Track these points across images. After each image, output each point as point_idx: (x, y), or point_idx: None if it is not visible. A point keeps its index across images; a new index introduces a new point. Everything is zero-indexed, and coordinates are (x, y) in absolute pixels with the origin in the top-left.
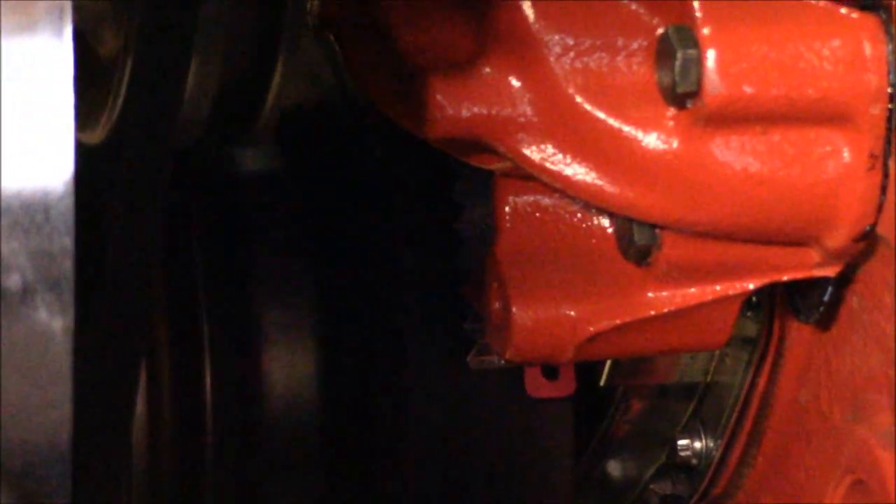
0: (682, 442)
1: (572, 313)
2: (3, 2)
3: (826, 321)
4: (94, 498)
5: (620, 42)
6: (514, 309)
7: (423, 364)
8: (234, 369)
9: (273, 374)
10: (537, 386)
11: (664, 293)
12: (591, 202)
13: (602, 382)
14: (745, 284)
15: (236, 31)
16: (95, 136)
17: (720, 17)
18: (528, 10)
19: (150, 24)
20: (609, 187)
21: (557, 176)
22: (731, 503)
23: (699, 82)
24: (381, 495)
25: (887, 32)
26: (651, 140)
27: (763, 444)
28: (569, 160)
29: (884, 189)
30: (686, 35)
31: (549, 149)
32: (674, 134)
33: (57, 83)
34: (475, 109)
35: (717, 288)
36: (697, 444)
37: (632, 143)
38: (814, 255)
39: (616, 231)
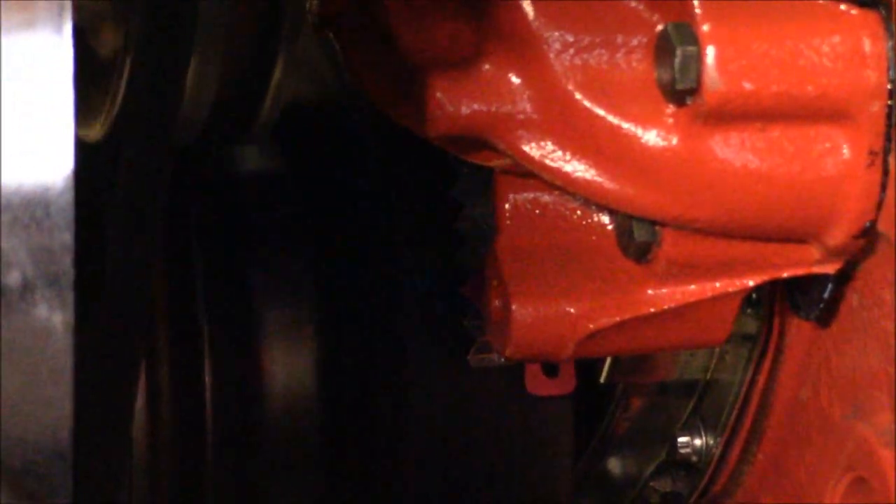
0: (682, 439)
1: (572, 310)
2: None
3: (826, 318)
4: (94, 496)
5: (620, 39)
6: (514, 306)
7: (423, 363)
8: (234, 369)
9: (273, 373)
10: (537, 383)
11: (664, 290)
12: (590, 199)
13: (602, 380)
14: (744, 281)
15: (236, 31)
16: (95, 134)
17: (719, 14)
18: (528, 7)
19: (150, 23)
20: (609, 184)
21: (557, 173)
22: (731, 501)
23: (699, 79)
24: (381, 495)
25: (887, 29)
26: (651, 137)
27: (763, 442)
28: (568, 157)
29: (883, 186)
30: (685, 32)
31: (549, 146)
32: (673, 131)
33: (57, 81)
34: (475, 107)
35: (717, 285)
36: (697, 442)
37: (631, 139)
38: (814, 252)
39: (616, 228)
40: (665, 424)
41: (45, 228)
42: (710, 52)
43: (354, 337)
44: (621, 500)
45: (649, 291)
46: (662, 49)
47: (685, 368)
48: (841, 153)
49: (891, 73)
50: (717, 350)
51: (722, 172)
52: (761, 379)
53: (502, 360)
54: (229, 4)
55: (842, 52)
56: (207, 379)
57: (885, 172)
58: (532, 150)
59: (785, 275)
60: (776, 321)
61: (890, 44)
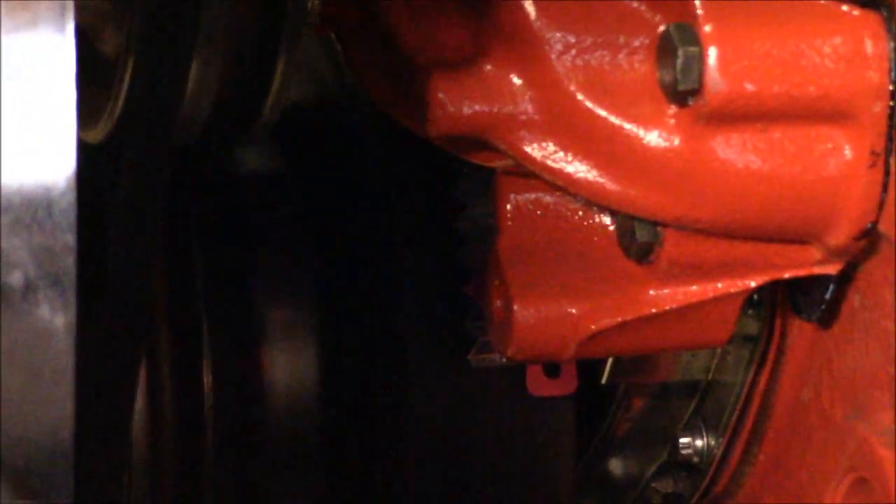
0: (683, 440)
1: (574, 311)
2: (4, 0)
3: (827, 319)
4: (95, 495)
5: (622, 40)
6: (515, 307)
7: (424, 363)
8: (235, 369)
9: (273, 373)
10: (539, 384)
11: (666, 291)
12: (592, 200)
13: (603, 380)
14: (746, 282)
15: (237, 31)
16: (97, 135)
17: (721, 15)
18: (530, 7)
19: (152, 24)
20: (610, 185)
21: (559, 174)
22: (732, 501)
23: (700, 80)
24: (381, 495)
25: (889, 30)
26: (652, 138)
27: (764, 443)
28: (570, 158)
29: (885, 186)
30: (687, 33)
31: (551, 146)
32: (675, 132)
33: (59, 81)
34: (476, 107)
35: (719, 286)
36: (699, 443)
37: (633, 140)
38: (815, 252)
39: (617, 229)
40: (666, 425)
41: (47, 229)
42: (712, 53)
43: (355, 337)
44: (623, 500)
45: (651, 292)
46: (664, 50)
47: (687, 369)
48: (843, 154)
49: (892, 73)
50: (719, 351)
51: (724, 173)
52: (763, 380)
53: (503, 360)
54: (230, 5)
55: (843, 52)
56: (207, 379)
57: (887, 173)
58: (533, 150)
59: (786, 275)
60: (778, 322)
61: (892, 45)
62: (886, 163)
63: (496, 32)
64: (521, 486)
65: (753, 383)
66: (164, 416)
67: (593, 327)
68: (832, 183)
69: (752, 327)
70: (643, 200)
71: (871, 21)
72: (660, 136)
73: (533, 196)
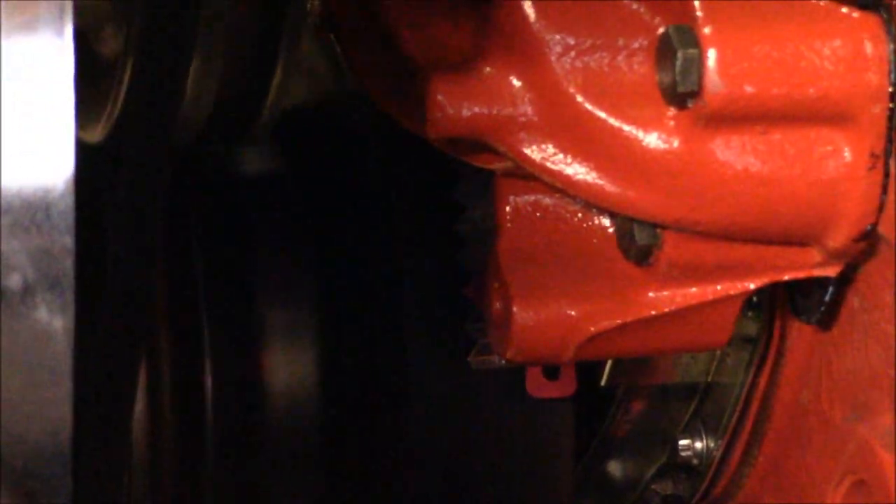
0: (683, 442)
1: (573, 313)
2: (3, 1)
3: (827, 321)
4: (94, 497)
5: (621, 42)
6: (515, 309)
7: (424, 364)
8: (235, 369)
9: (273, 374)
10: (538, 386)
11: (665, 293)
12: (591, 202)
13: (603, 382)
14: (746, 284)
15: (237, 31)
16: (96, 136)
17: (721, 17)
18: (529, 9)
19: (151, 24)
20: (610, 187)
21: (558, 176)
22: (732, 503)
23: (700, 82)
24: (382, 495)
25: (888, 32)
26: (652, 140)
27: (764, 445)
28: (569, 160)
29: (885, 188)
30: (687, 35)
31: (550, 148)
32: (674, 134)
33: (57, 82)
34: (476, 109)
35: (718, 288)
36: (698, 445)
37: (632, 142)
38: (815, 254)
39: (617, 231)
40: (666, 427)
41: (45, 231)
42: (712, 55)
43: (355, 338)
44: (622, 502)
45: (650, 294)
46: (664, 52)
47: (686, 371)
48: (842, 156)
49: (892, 75)
50: (718, 353)
51: (723, 175)
52: (762, 381)
53: (503, 362)
54: (230, 5)
55: (843, 54)
56: (208, 379)
57: (887, 175)
58: (533, 152)
59: (786, 277)
60: (777, 324)
61: (891, 46)
62: (886, 165)
63: (496, 34)
64: (521, 487)
65: (753, 385)
66: (164, 416)
67: (592, 329)
68: (832, 185)
69: (752, 329)
70: (642, 202)
71: (870, 23)
72: (659, 137)
73: (532, 198)
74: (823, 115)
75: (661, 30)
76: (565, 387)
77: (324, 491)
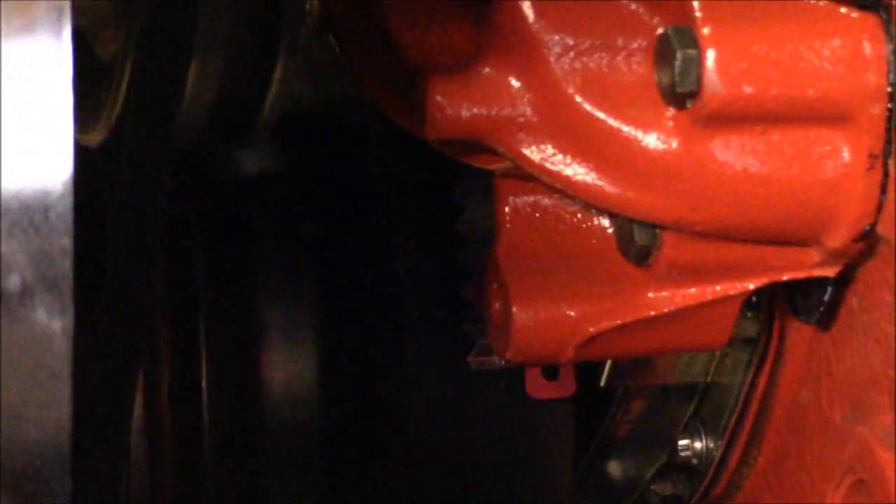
0: (682, 442)
1: (572, 313)
2: (2, 2)
3: (826, 321)
4: (93, 497)
5: (620, 42)
6: (514, 309)
7: (423, 364)
8: (234, 370)
9: (273, 374)
10: (538, 386)
11: (664, 293)
12: (591, 202)
13: (602, 383)
14: (745, 284)
15: (236, 32)
16: (95, 137)
17: (720, 17)
18: (528, 10)
19: (151, 25)
20: (609, 187)
21: (557, 176)
22: (731, 503)
23: (699, 82)
24: (382, 495)
25: (887, 32)
26: (651, 140)
27: (763, 445)
28: (569, 160)
29: (883, 189)
30: (686, 35)
31: (549, 149)
32: (673, 134)
33: (56, 84)
34: (475, 110)
35: (718, 288)
36: (698, 445)
37: (632, 143)
38: (814, 255)
39: (616, 231)
40: (665, 427)
41: (44, 233)
42: (711, 56)
43: (355, 338)
44: (622, 502)
45: (650, 294)
46: (663, 52)
47: (685, 371)
48: (841, 156)
49: (891, 76)
50: (718, 353)
51: (722, 175)
52: (761, 382)
53: (502, 362)
54: (229, 6)
55: (842, 54)
56: (207, 380)
57: (885, 175)
58: (532, 153)
59: (785, 278)
60: (776, 324)
61: (890, 47)
62: (885, 165)
63: (495, 35)
64: (521, 487)
65: (752, 385)
66: (163, 417)
67: (592, 330)
68: (830, 185)
69: (751, 329)
70: (642, 203)
71: (869, 23)
72: (658, 138)
73: (532, 199)
74: (822, 115)
75: (660, 30)
76: (565, 387)
77: (324, 491)
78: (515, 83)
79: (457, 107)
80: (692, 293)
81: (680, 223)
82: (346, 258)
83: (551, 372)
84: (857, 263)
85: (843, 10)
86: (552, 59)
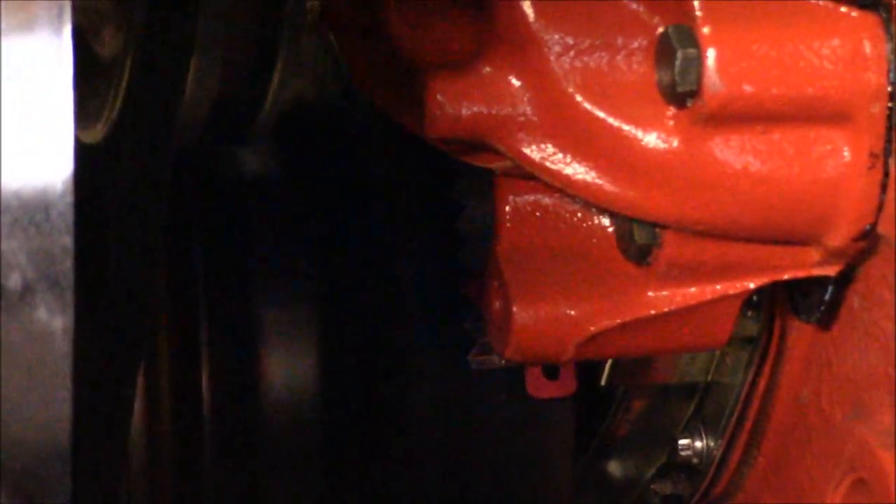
0: (682, 441)
1: (573, 313)
2: (2, 1)
3: (827, 320)
4: (93, 497)
5: (620, 41)
6: (514, 308)
7: (424, 364)
8: (234, 369)
9: (273, 373)
10: (538, 385)
11: (664, 292)
12: (591, 201)
13: (603, 382)
14: (745, 284)
15: (236, 31)
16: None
17: (720, 17)
18: (528, 9)
19: (151, 23)
20: (609, 186)
21: (557, 175)
22: (731, 503)
23: (699, 81)
24: (382, 495)
25: (887, 31)
26: (651, 139)
27: (764, 444)
28: (569, 159)
29: (884, 188)
30: (686, 34)
31: (549, 148)
32: (674, 133)
33: (56, 82)
34: (475, 108)
35: (718, 287)
36: (698, 444)
37: (632, 142)
38: (814, 254)
39: (616, 230)
40: (666, 426)
41: (44, 231)
42: (711, 55)
43: (355, 338)
44: (622, 502)
45: (650, 294)
46: (663, 51)
47: (686, 371)
48: (841, 155)
49: (891, 75)
50: (718, 352)
51: (722, 174)
52: (762, 381)
53: (503, 361)
54: (230, 4)
55: (842, 54)
56: (207, 379)
57: (886, 174)
58: (532, 152)
59: (785, 277)
60: (777, 323)
61: (890, 46)
62: (885, 164)
63: (495, 34)
64: (521, 486)
65: (753, 385)
66: (163, 416)
67: (592, 329)
68: (831, 184)
69: (752, 329)
70: (642, 202)
71: (869, 22)
72: (658, 137)
73: (532, 198)
74: (822, 114)
75: (660, 30)
76: (565, 386)
77: (324, 491)
78: (515, 82)
79: (457, 106)
80: (692, 292)
81: (680, 222)
82: (346, 257)
83: (552, 371)
84: (857, 263)
85: (843, 9)
86: (552, 58)
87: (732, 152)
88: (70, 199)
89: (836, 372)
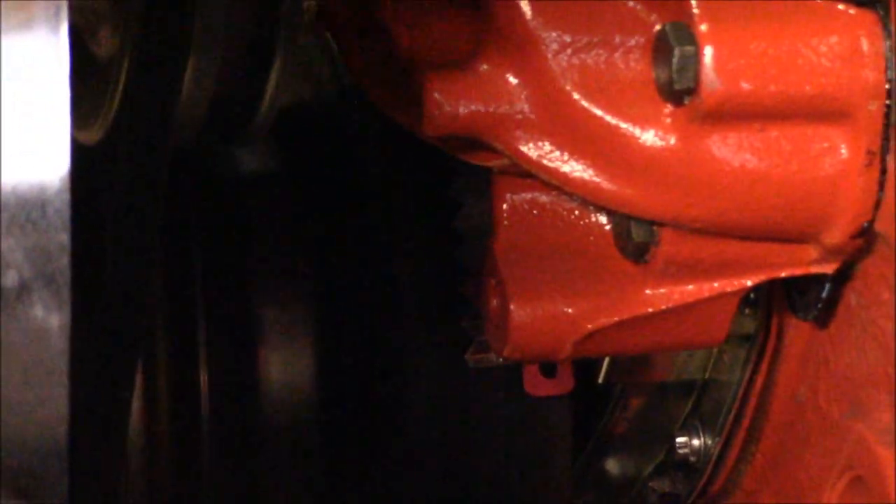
0: (680, 439)
1: (570, 310)
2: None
3: (824, 318)
4: (91, 495)
5: (618, 39)
6: (512, 306)
7: (421, 362)
8: (232, 368)
9: (271, 373)
10: (536, 383)
11: (662, 290)
12: (588, 199)
13: (600, 380)
14: (743, 281)
15: (234, 31)
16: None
17: (718, 14)
18: (526, 7)
19: (148, 23)
20: (606, 184)
21: (555, 173)
22: (729, 501)
23: (696, 79)
24: (380, 494)
25: (885, 28)
26: (648, 137)
27: (761, 442)
28: (566, 157)
29: (881, 186)
30: (683, 32)
31: (547, 146)
32: (671, 131)
33: (53, 81)
34: (472, 107)
35: (715, 285)
36: (696, 442)
37: (629, 139)
38: (812, 251)
39: (614, 228)
40: (664, 424)
41: (41, 229)
42: (708, 53)
43: (353, 337)
44: (620, 500)
45: (647, 291)
46: (660, 49)
47: (683, 368)
48: (839, 153)
49: (889, 72)
50: (716, 350)
51: (720, 172)
52: (759, 379)
53: (500, 359)
54: (226, 4)
55: (840, 51)
56: (205, 379)
57: (883, 172)
58: (530, 150)
59: (783, 274)
60: (774, 321)
61: (888, 43)
62: (883, 162)
63: (492, 32)
64: (519, 485)
65: (750, 382)
66: (161, 416)
67: (590, 327)
68: (828, 182)
69: (749, 326)
70: (639, 199)
71: (867, 20)
72: (656, 135)
73: (529, 196)
74: (820, 112)
75: (657, 27)
76: (563, 384)
77: (322, 490)
78: (513, 80)
79: (454, 104)
80: (690, 290)
81: (677, 220)
82: (344, 256)
83: (549, 369)
84: (855, 260)
85: (840, 6)
86: (550, 56)
87: (730, 150)
88: (67, 196)
89: (834, 370)
